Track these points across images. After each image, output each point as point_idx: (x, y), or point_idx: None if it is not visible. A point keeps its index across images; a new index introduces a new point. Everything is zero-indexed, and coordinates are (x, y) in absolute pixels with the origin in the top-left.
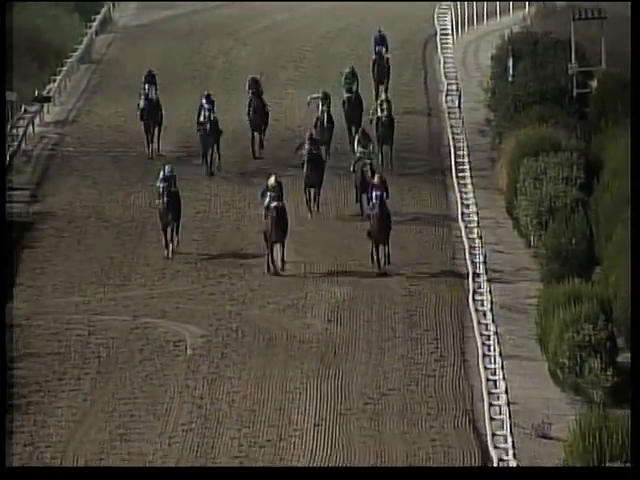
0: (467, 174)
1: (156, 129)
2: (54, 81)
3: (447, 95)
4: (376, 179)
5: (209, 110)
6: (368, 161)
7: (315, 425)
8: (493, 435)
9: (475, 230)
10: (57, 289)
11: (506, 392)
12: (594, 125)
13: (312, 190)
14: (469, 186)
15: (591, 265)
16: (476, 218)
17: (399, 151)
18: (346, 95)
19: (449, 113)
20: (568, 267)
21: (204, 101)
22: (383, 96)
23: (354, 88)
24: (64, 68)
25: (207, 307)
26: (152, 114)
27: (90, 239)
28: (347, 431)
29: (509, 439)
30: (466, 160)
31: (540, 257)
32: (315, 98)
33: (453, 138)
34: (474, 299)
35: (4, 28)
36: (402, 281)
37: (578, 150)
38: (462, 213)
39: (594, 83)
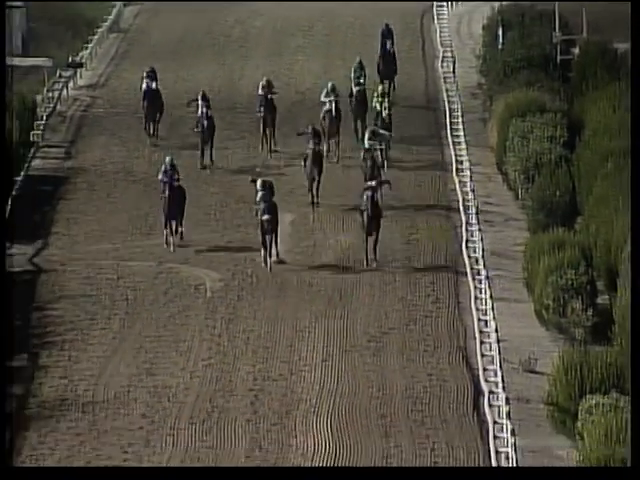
0: (461, 133)
1: (156, 116)
2: (86, 48)
3: (443, 61)
4: (373, 182)
5: (205, 107)
6: (378, 151)
7: (323, 360)
8: (484, 370)
9: (468, 184)
10: (89, 237)
11: (496, 331)
12: (576, 88)
13: (314, 183)
14: (463, 144)
15: (573, 215)
16: (469, 173)
17: (399, 112)
18: (355, 88)
19: (444, 78)
20: (552, 217)
21: (200, 99)
22: (380, 89)
23: (362, 81)
24: (95, 37)
25: (225, 254)
26: (153, 105)
27: (119, 192)
28: (352, 366)
29: (499, 373)
30: (460, 120)
31: (527, 208)
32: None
33: (448, 100)
34: (467, 246)
35: (4, 28)
36: (402, 230)
37: (561, 111)
38: (456, 169)
39: (576, 50)
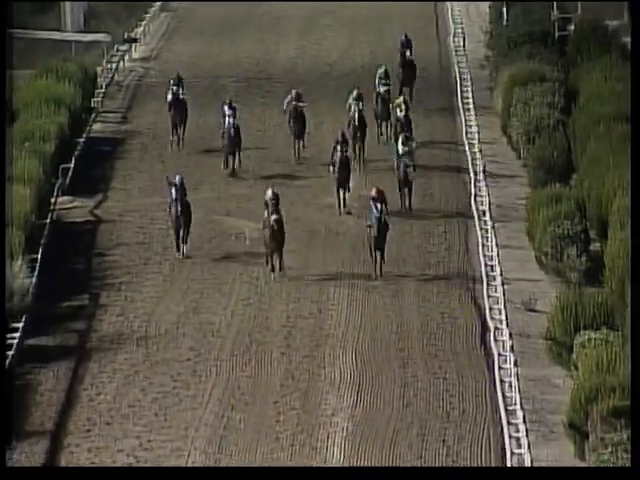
0: (470, 100)
1: (182, 124)
2: (140, 25)
3: (454, 37)
4: (374, 192)
5: (231, 116)
6: (410, 163)
7: (348, 300)
8: (490, 309)
9: (476, 145)
10: (142, 192)
11: (501, 274)
12: (572, 60)
13: (342, 191)
14: (471, 110)
15: (569, 173)
16: (477, 135)
17: (416, 88)
18: (383, 89)
19: (456, 51)
20: (551, 174)
21: (226, 108)
22: (401, 98)
23: (388, 87)
24: (148, 15)
25: (262, 206)
26: (179, 109)
27: (168, 152)
28: (374, 305)
29: (503, 312)
30: (469, 89)
31: (528, 166)
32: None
33: (459, 71)
34: (475, 200)
35: (4, 28)
36: (418, 186)
37: (559, 81)
38: (466, 132)
39: (572, 27)
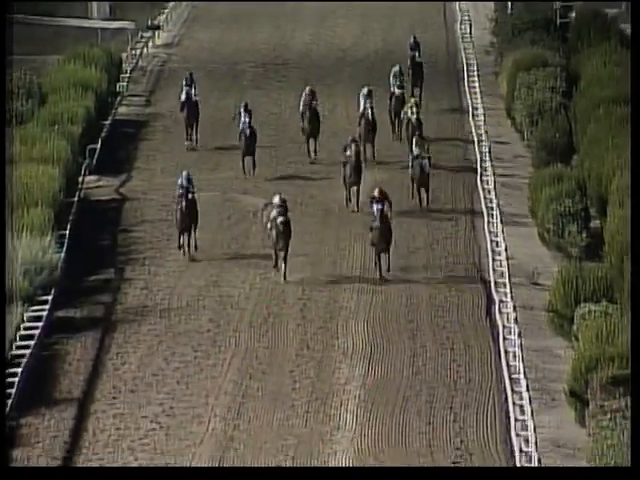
0: (476, 84)
1: (195, 124)
2: (163, 14)
3: (461, 24)
4: (377, 192)
5: (247, 119)
6: (425, 159)
7: (360, 274)
8: (495, 282)
9: (482, 126)
10: (165, 171)
11: (505, 250)
12: (573, 47)
13: (354, 188)
14: (478, 93)
15: (570, 153)
16: (483, 117)
17: (425, 73)
18: (398, 91)
19: (463, 38)
20: (553, 155)
21: (242, 111)
22: (412, 100)
23: (403, 84)
24: (170, 3)
25: (277, 185)
26: (192, 111)
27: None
28: (384, 279)
29: (507, 285)
30: (475, 73)
31: (531, 147)
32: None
33: (465, 57)
34: (481, 179)
35: (4, 28)
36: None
37: (561, 66)
38: (472, 114)
39: (573, 15)
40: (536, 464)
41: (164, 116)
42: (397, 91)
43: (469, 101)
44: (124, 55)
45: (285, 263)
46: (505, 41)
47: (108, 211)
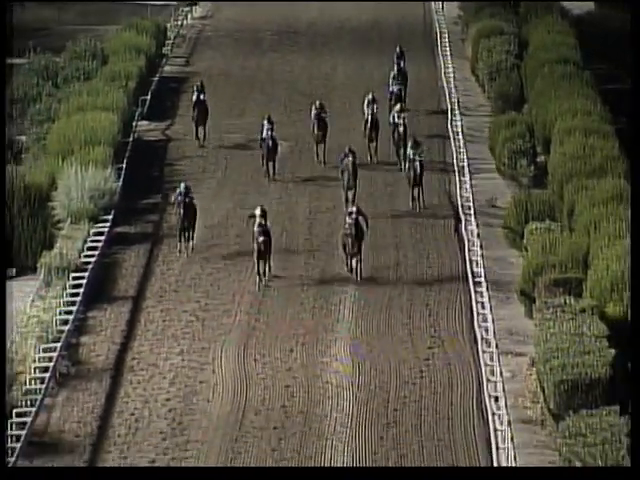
0: (447, 48)
1: (202, 125)
2: None
3: (435, 1)
4: (354, 208)
5: (270, 129)
6: (419, 161)
7: (358, 197)
8: (462, 206)
9: (452, 81)
10: None
11: (470, 179)
12: (523, 19)
13: (350, 192)
14: (448, 56)
15: (522, 103)
16: (452, 75)
17: (406, 39)
18: (396, 88)
19: (436, 12)
20: (508, 104)
21: (265, 122)
22: (398, 107)
23: (403, 82)
24: None
25: (291, 130)
26: (202, 113)
27: (222, 89)
28: (373, 204)
29: (472, 207)
30: (447, 40)
31: (491, 98)
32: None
33: (439, 27)
34: (451, 124)
35: (4, 28)
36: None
37: (514, 34)
38: (444, 72)
39: None
40: (495, 350)
41: (200, 74)
42: (396, 89)
43: (441, 61)
44: (168, 25)
45: (268, 268)
46: (470, 14)
47: (156, 149)
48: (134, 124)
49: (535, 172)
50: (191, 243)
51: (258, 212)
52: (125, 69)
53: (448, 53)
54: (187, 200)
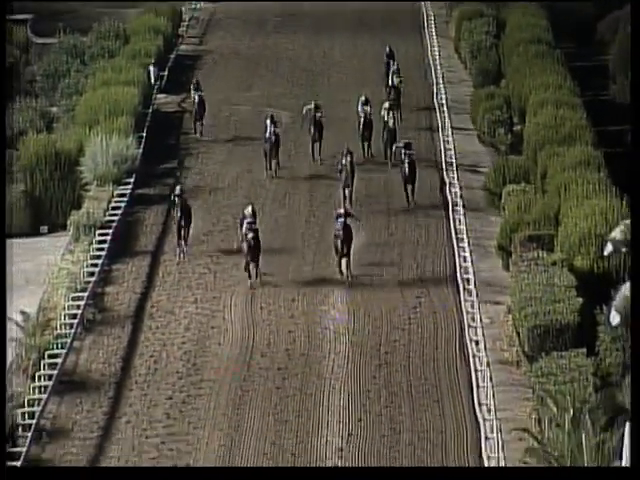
0: (433, 29)
1: (201, 119)
2: None
3: None
4: (342, 210)
5: (273, 127)
6: (407, 162)
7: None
8: (446, 170)
9: (437, 58)
10: (212, 92)
11: (454, 148)
12: (501, 3)
13: (347, 190)
14: (434, 36)
15: (500, 77)
16: (438, 52)
17: (397, 22)
18: (396, 80)
19: None
20: (487, 79)
21: (268, 121)
22: (387, 104)
23: (401, 79)
24: None
25: (292, 101)
26: (200, 109)
27: (231, 66)
28: (368, 178)
29: (455, 171)
30: (433, 22)
31: (472, 74)
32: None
33: (425, 11)
34: (437, 97)
35: (4, 28)
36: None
37: (492, 16)
38: (430, 49)
39: None
40: (475, 299)
41: (212, 52)
42: (396, 81)
43: (428, 41)
44: (183, 8)
45: (257, 269)
46: (454, 1)
47: (173, 119)
48: (153, 97)
49: (512, 140)
50: (187, 241)
51: (249, 211)
52: (145, 48)
53: (434, 33)
54: (183, 203)
